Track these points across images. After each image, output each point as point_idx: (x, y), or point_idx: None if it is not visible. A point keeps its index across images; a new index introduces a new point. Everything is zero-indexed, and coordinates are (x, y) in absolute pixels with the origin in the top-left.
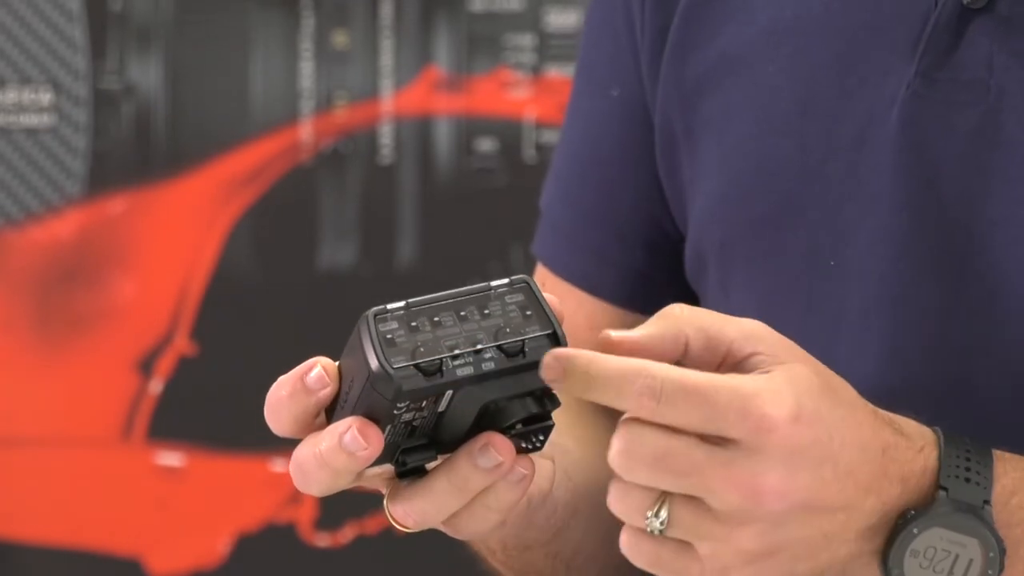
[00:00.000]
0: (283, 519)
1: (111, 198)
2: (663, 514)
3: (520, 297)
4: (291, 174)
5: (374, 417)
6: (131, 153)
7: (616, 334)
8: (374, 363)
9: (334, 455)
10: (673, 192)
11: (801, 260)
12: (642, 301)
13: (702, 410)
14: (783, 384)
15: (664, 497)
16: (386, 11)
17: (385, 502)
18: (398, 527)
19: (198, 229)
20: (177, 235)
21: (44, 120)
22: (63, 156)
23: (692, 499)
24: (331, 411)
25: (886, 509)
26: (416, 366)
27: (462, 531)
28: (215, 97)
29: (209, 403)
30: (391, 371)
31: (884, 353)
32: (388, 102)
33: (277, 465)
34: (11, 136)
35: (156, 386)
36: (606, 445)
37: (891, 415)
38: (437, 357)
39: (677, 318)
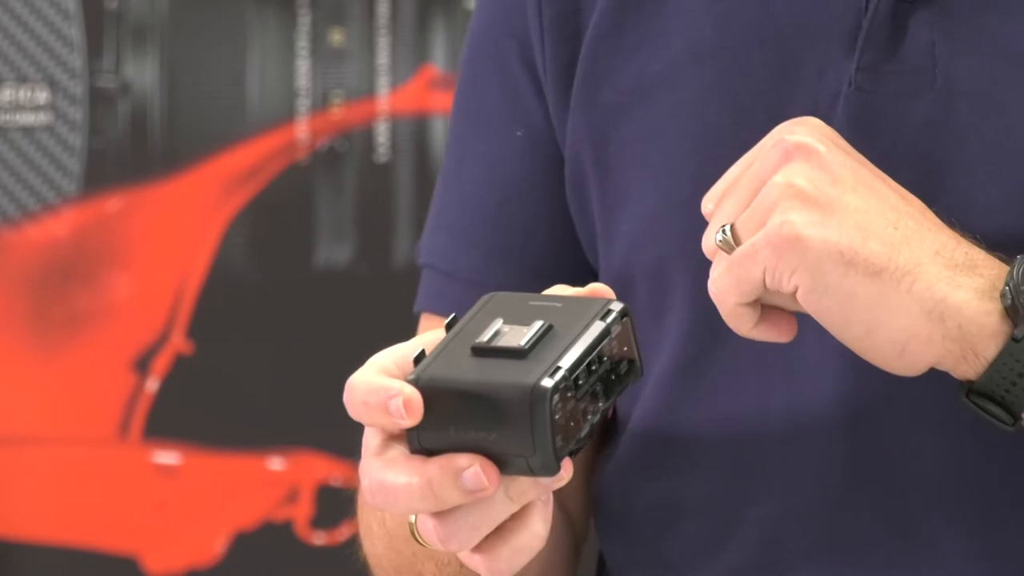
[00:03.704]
0: (280, 517)
1: (107, 196)
2: (728, 229)
3: (619, 329)
4: (287, 172)
5: (498, 462)
6: (127, 151)
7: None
8: (551, 455)
9: (446, 489)
10: (583, 226)
11: None
12: None
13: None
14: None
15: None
16: (382, 9)
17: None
18: (417, 540)
19: (194, 227)
20: (173, 233)
21: (40, 118)
22: (59, 154)
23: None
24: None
25: (971, 255)
26: (570, 452)
27: (491, 568)
28: (211, 95)
29: (206, 402)
30: (556, 463)
31: (845, 357)
32: (384, 100)
33: (274, 463)
34: (7, 134)
35: (152, 385)
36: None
37: None
38: (581, 437)
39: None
